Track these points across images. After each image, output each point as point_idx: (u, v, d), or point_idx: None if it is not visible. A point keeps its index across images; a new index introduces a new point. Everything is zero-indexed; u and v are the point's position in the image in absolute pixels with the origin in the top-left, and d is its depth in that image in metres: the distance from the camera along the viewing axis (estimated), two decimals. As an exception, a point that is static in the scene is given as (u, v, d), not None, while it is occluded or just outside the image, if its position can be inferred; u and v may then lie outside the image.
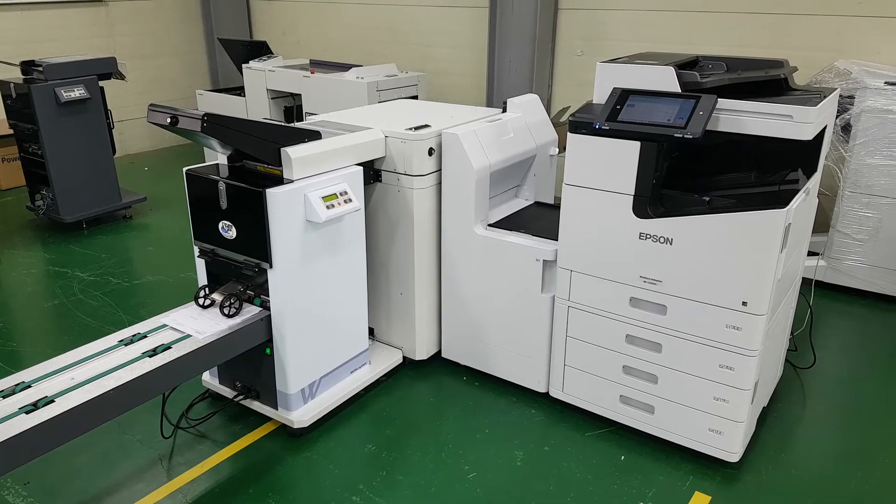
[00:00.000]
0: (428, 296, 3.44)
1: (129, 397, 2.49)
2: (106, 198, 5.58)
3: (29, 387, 2.42)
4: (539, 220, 3.38)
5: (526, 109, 3.57)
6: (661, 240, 2.65)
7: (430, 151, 3.18)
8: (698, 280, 2.62)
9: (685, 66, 2.81)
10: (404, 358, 3.55)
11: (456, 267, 3.34)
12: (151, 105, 2.74)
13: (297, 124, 3.32)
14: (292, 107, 6.28)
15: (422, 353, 3.52)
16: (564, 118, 4.79)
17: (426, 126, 3.24)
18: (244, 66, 6.27)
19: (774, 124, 2.44)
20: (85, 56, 5.47)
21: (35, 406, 2.29)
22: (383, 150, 3.21)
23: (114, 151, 5.60)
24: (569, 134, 2.75)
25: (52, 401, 2.32)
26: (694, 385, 2.76)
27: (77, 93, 5.14)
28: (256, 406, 3.17)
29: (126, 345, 2.70)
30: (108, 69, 5.44)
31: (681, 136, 2.46)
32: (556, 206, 3.54)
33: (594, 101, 2.82)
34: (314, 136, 2.93)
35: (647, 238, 2.68)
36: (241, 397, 3.18)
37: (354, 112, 3.72)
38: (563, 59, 5.83)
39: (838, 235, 4.32)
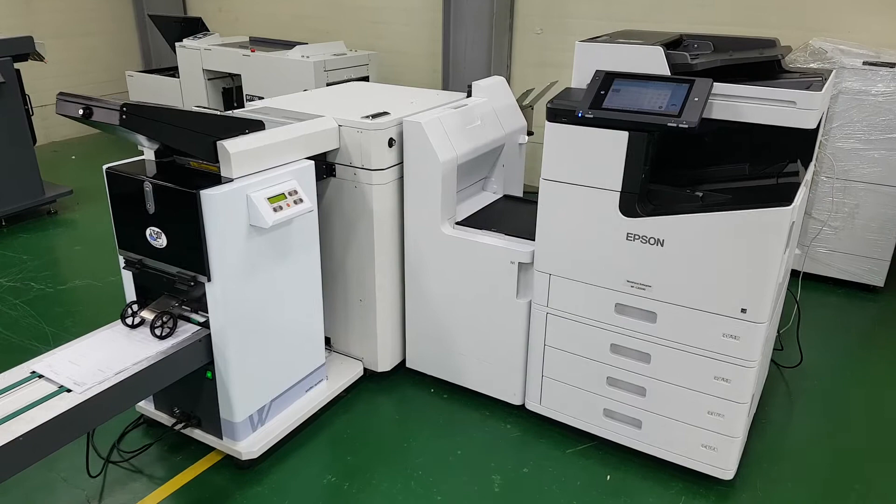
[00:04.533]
0: (390, 302, 3.11)
1: (46, 441, 2.10)
2: (26, 192, 5.03)
3: (-85, 435, 2.00)
4: (511, 216, 3.08)
5: (492, 93, 3.24)
6: (651, 241, 2.38)
7: (391, 142, 2.83)
8: (692, 285, 2.37)
9: (670, 45, 2.53)
10: (365, 370, 3.22)
11: (421, 270, 3.01)
12: (60, 94, 2.31)
13: (237, 112, 2.91)
14: (231, 88, 5.79)
15: (384, 364, 3.20)
16: (528, 101, 4.48)
17: (385, 113, 2.88)
18: (177, 44, 5.74)
19: (776, 111, 2.19)
20: (-5, 34, 4.88)
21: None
22: (337, 142, 2.84)
23: (34, 140, 5.05)
24: (547, 123, 2.45)
25: (-55, 452, 1.91)
26: (686, 398, 2.52)
27: (-13, 76, 4.57)
28: (198, 434, 2.79)
29: (39, 377, 2.29)
30: (24, 49, 4.86)
31: (675, 125, 2.18)
32: (527, 200, 3.25)
33: (573, 86, 2.51)
34: (257, 126, 2.54)
35: (635, 239, 2.41)
36: (180, 425, 2.80)
37: (302, 97, 3.33)
38: (522, 37, 5.51)
39: (813, 223, 4.16)
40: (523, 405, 2.99)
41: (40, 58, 4.98)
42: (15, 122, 4.84)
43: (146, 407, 2.89)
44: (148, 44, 7.58)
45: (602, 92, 2.33)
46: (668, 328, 2.47)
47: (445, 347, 3.08)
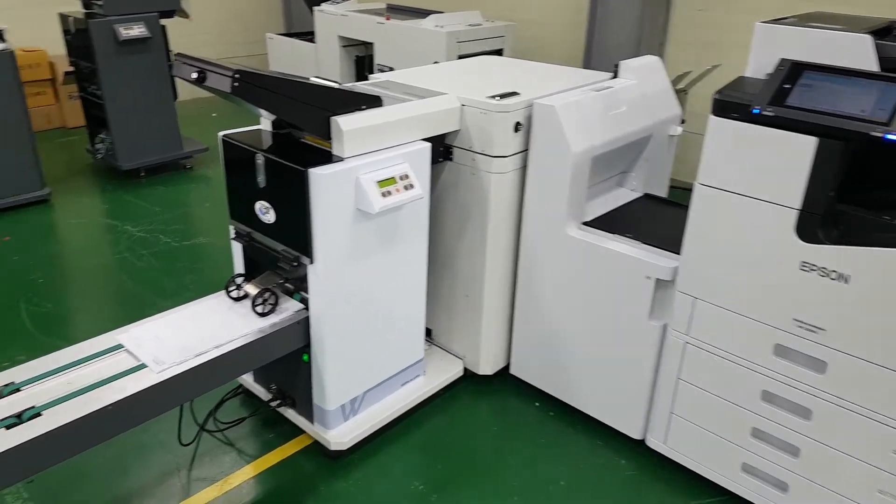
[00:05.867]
0: (499, 302, 2.84)
1: (134, 413, 2.05)
2: (166, 146, 5.23)
3: (18, 390, 2.01)
4: (651, 221, 2.69)
5: (644, 76, 2.84)
6: (833, 275, 1.93)
7: (517, 127, 2.54)
8: (881, 336, 1.90)
9: (879, 33, 2.03)
10: (465, 370, 2.99)
11: (537, 272, 2.72)
12: (178, 55, 2.22)
13: (357, 85, 2.73)
14: (364, 57, 5.68)
15: (487, 366, 2.96)
16: (682, 85, 3.99)
17: (514, 93, 2.58)
18: (316, 8, 5.70)
19: None
20: (147, -9, 5.04)
21: (19, 419, 1.88)
22: (458, 123, 2.59)
23: (175, 96, 5.21)
24: (711, 118, 2.04)
25: (40, 413, 1.90)
26: (851, 469, 2.07)
27: (137, 31, 4.73)
28: (291, 415, 2.71)
29: (123, 349, 2.25)
30: (170, 6, 4.99)
31: (883, 135, 1.72)
32: (673, 203, 2.84)
33: (748, 75, 2.08)
34: (373, 102, 2.34)
35: (812, 270, 1.97)
36: (275, 403, 2.73)
37: (427, 71, 3.09)
38: (680, 12, 4.94)
39: None
40: (643, 440, 2.63)
41: (185, 15, 5.10)
42: (159, 78, 5.01)
43: (246, 378, 2.84)
44: (290, 6, 7.67)
45: (787, 86, 1.89)
46: (839, 382, 2.01)
47: (557, 360, 2.78)
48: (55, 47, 5.51)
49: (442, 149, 2.63)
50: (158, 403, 2.10)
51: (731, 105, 1.99)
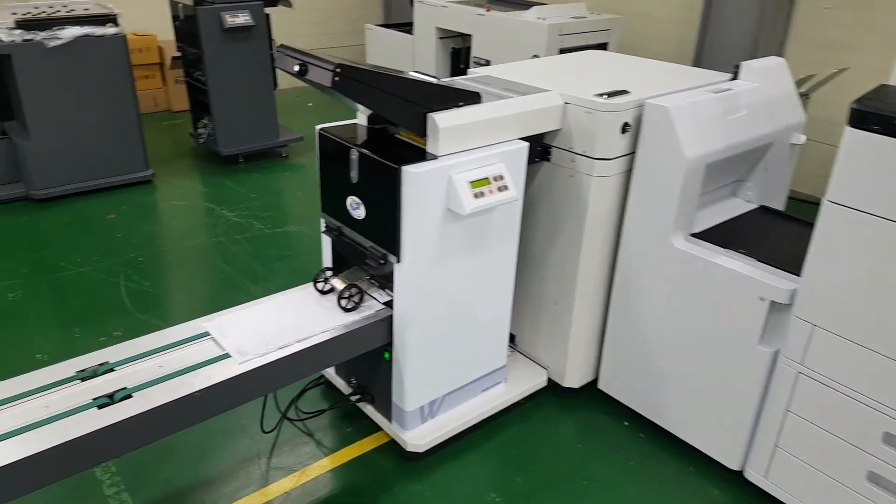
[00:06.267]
0: (590, 311, 2.69)
1: (219, 401, 2.06)
2: (263, 133, 5.35)
3: (112, 370, 2.06)
4: (767, 236, 2.46)
5: (766, 78, 2.59)
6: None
7: (625, 127, 2.37)
8: None
9: None
10: (549, 380, 2.86)
11: (635, 283, 2.54)
12: (282, 46, 2.20)
13: (455, 80, 2.64)
14: (460, 49, 5.58)
15: (573, 379, 2.81)
16: (804, 89, 3.66)
17: (623, 92, 2.41)
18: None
19: None
20: (252, -21, 5.15)
21: (111, 399, 1.92)
22: (559, 122, 2.45)
23: (275, 85, 5.31)
24: (847, 129, 1.82)
25: (130, 395, 1.93)
26: None
27: (242, 19, 4.84)
28: (370, 411, 2.67)
29: (209, 336, 2.27)
30: (275, -6, 5.08)
31: None
32: (794, 219, 2.59)
33: (894, 84, 1.83)
34: (472, 98, 2.24)
35: (955, 306, 1.72)
36: (355, 398, 2.70)
37: (528, 66, 2.96)
38: (805, 9, 4.55)
39: None
40: (741, 471, 2.42)
41: (289, 4, 5.17)
42: (261, 66, 5.11)
43: (328, 369, 2.84)
44: (390, -3, 7.69)
45: (942, 96, 1.65)
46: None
47: (650, 379, 2.60)
48: (165, 32, 5.73)
49: (539, 148, 2.50)
50: (241, 393, 2.10)
51: (872, 116, 1.76)
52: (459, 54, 5.60)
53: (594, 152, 2.39)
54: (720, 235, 2.42)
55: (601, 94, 2.38)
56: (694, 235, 2.42)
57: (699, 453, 2.54)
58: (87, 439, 1.79)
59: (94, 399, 1.91)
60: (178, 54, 5.36)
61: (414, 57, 5.72)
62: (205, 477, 2.47)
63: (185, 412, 1.98)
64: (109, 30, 4.41)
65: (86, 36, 4.31)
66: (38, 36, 4.17)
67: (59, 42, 4.21)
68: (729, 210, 2.65)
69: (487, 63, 4.92)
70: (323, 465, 2.55)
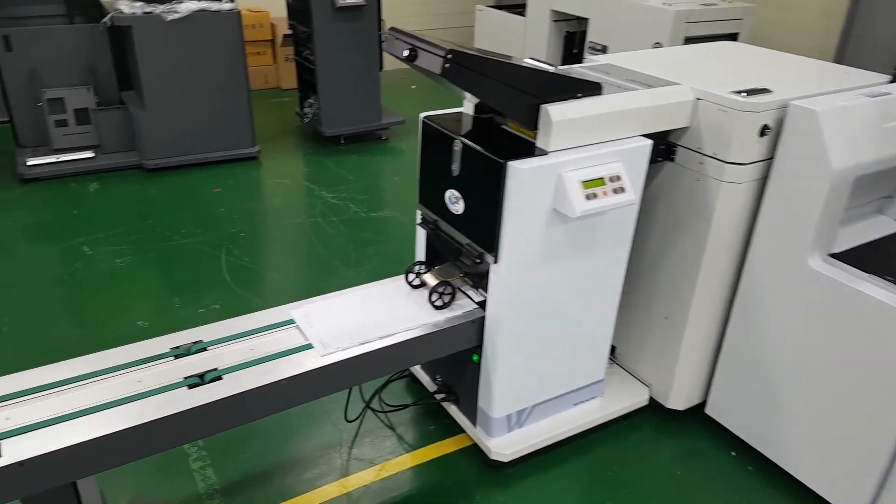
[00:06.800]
0: (705, 330, 2.44)
1: (305, 390, 2.01)
2: (365, 115, 5.33)
3: (205, 349, 2.05)
4: (920, 263, 2.14)
5: (936, 81, 2.24)
6: None
7: (764, 130, 2.10)
8: None
9: None
10: (650, 399, 2.64)
11: (761, 304, 2.28)
12: (392, 30, 2.09)
13: (573, 69, 2.44)
14: (574, 33, 5.30)
15: (678, 400, 2.58)
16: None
17: (764, 91, 2.14)
18: (534, -21, 5.42)
19: None
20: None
21: (201, 379, 1.90)
22: (688, 119, 2.21)
23: (381, 66, 5.27)
24: None
25: (220, 377, 1.91)
26: None
27: (353, -2, 4.81)
28: (453, 411, 2.57)
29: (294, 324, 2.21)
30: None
31: None
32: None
33: None
34: (592, 89, 2.04)
35: None
36: (439, 396, 2.60)
37: (653, 55, 2.71)
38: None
39: None
40: (868, 528, 2.13)
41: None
42: (368, 47, 5.07)
43: (413, 364, 2.75)
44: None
45: None
46: None
47: (767, 409, 2.34)
48: (278, 9, 5.81)
49: (663, 147, 2.27)
50: (324, 385, 2.04)
51: None
52: (573, 39, 5.31)
53: (726, 155, 2.13)
54: (863, 258, 2.12)
55: (739, 92, 2.12)
56: (833, 256, 2.12)
57: (815, 495, 2.26)
58: (174, 419, 1.78)
59: (186, 378, 1.90)
60: (290, 32, 5.41)
61: (525, 41, 5.49)
62: (287, 461, 2.44)
63: (270, 399, 1.95)
64: (225, 5, 4.49)
65: (202, 10, 4.41)
66: (158, 9, 4.30)
67: (177, 15, 4.33)
68: (874, 230, 2.32)
69: (604, 49, 4.64)
70: (403, 462, 2.47)
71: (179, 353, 2.02)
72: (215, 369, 1.94)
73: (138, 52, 4.34)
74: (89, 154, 4.64)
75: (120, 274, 3.52)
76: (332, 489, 2.34)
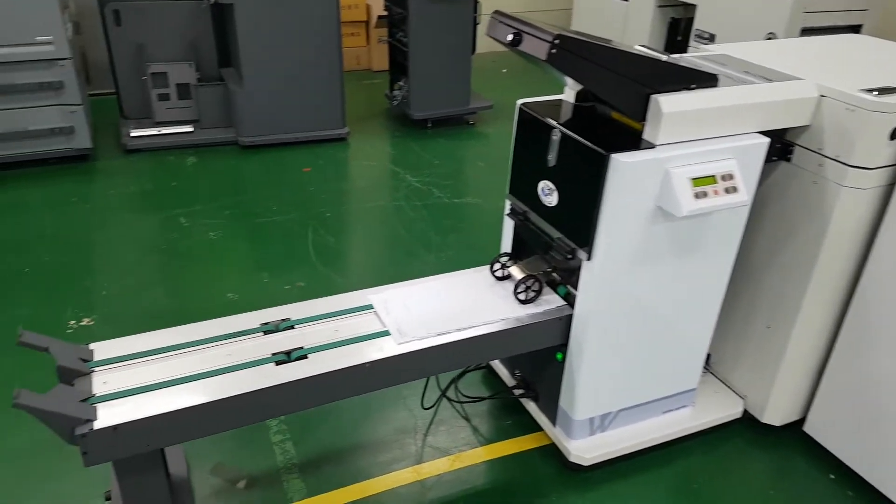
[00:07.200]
0: (811, 343, 2.27)
1: (385, 376, 2.00)
2: (454, 99, 5.27)
3: (292, 327, 2.07)
4: None
5: None
6: None
7: (895, 133, 1.91)
8: None
9: None
10: (744, 412, 2.49)
11: (877, 321, 2.09)
12: (496, 13, 2.02)
13: (686, 58, 2.30)
14: (680, 20, 5.03)
15: (774, 415, 2.42)
16: None
17: (898, 89, 1.95)
18: (634, -40, 5.18)
19: None
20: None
21: (288, 357, 1.92)
22: (810, 117, 2.04)
23: (473, 50, 5.20)
24: None
25: (306, 356, 1.93)
26: None
27: (450, -19, 4.75)
28: (532, 409, 2.51)
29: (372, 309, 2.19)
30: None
31: None
32: None
33: None
34: (707, 80, 1.91)
35: None
36: (518, 392, 2.54)
37: (771, 47, 2.52)
38: None
39: None
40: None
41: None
42: (462, 29, 5.01)
43: (492, 356, 2.70)
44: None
45: None
46: None
47: (876, 434, 2.15)
48: (374, -9, 5.83)
49: (779, 146, 2.10)
50: (402, 372, 2.02)
51: None
52: (678, 26, 5.04)
53: (850, 158, 1.95)
54: None
55: (870, 90, 1.93)
56: (973, 275, 1.91)
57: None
58: (262, 394, 1.81)
59: (273, 354, 1.92)
60: (385, 13, 5.41)
61: (626, 26, 5.27)
62: (362, 442, 2.46)
63: (352, 381, 1.94)
64: (323, -15, 4.53)
65: (302, -10, 4.46)
66: (259, -12, 4.39)
67: (277, -5, 4.40)
68: None
69: (711, 38, 4.38)
70: (478, 454, 2.43)
71: (268, 329, 2.05)
72: (301, 348, 1.96)
73: (239, 30, 4.44)
74: (188, 128, 4.81)
75: (213, 246, 3.64)
76: (406, 475, 2.34)
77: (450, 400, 2.65)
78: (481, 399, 2.66)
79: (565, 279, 2.23)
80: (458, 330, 2.05)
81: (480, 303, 2.19)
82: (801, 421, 2.45)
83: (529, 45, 1.80)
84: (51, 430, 1.60)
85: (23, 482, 2.24)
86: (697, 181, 1.84)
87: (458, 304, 2.17)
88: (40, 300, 3.14)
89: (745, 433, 2.50)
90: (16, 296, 3.16)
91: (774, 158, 2.14)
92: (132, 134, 4.69)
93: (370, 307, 2.15)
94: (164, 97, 4.75)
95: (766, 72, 2.11)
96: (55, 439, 1.64)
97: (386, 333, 2.03)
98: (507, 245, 2.44)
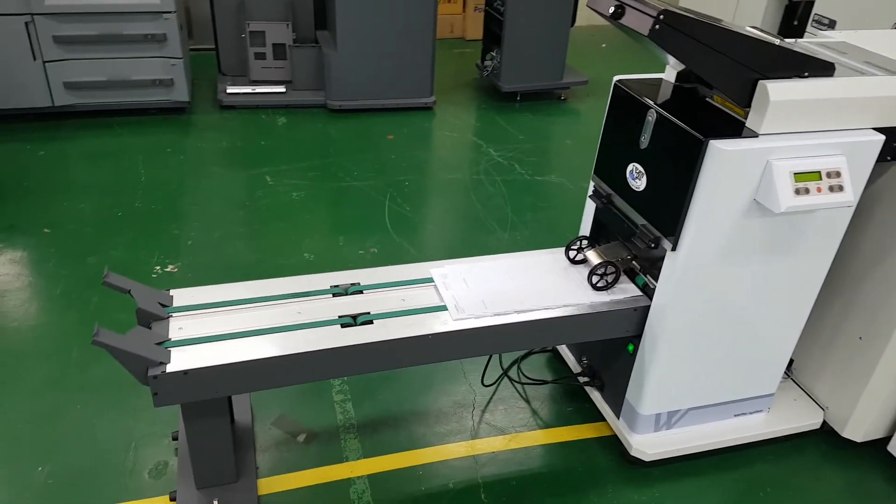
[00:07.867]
0: (909, 362, 2.10)
1: (446, 348, 1.99)
2: (548, 72, 5.13)
3: (360, 292, 2.09)
4: None
5: None
6: None
7: None
8: None
9: None
10: (823, 424, 2.34)
11: None
12: (599, -18, 1.92)
13: (801, 43, 2.13)
14: (798, 3, 4.67)
15: (856, 430, 2.26)
16: None
17: None
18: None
19: None
20: None
21: (354, 321, 1.95)
22: (936, 115, 1.85)
23: (572, 23, 5.02)
24: None
25: (372, 322, 1.94)
26: None
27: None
28: (596, 397, 2.45)
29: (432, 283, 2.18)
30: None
31: None
32: None
33: None
34: (822, 69, 1.75)
35: None
36: (583, 379, 2.48)
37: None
38: None
39: None
40: None
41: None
42: (564, 2, 4.85)
43: (560, 339, 2.64)
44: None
45: None
46: None
47: (975, 468, 1.97)
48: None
49: (895, 145, 1.92)
50: (460, 348, 2.01)
51: None
52: (795, 9, 4.67)
53: (981, 163, 1.76)
54: None
55: None
56: None
57: None
58: (325, 354, 1.84)
59: (340, 317, 1.95)
60: (483, -19, 5.32)
61: (737, 5, 4.95)
62: (421, 411, 2.47)
63: (414, 351, 1.95)
64: (423, -50, 4.47)
65: (401, -45, 4.42)
66: (359, -49, 4.38)
67: (376, -41, 4.38)
68: None
69: (831, 24, 4.06)
70: (535, 437, 2.40)
71: (338, 291, 2.08)
72: (367, 313, 1.97)
73: (336, -7, 4.47)
74: (281, 89, 4.91)
75: (295, 206, 3.72)
76: (461, 448, 2.34)
77: (511, 380, 2.62)
78: (543, 382, 2.62)
79: (645, 269, 2.14)
80: (518, 312, 2.01)
81: (550, 285, 2.14)
82: (886, 440, 2.28)
83: (632, 19, 1.70)
84: (125, 369, 1.68)
85: (100, 414, 2.38)
86: (800, 176, 1.70)
87: (526, 285, 2.13)
88: (130, 244, 3.31)
89: (822, 446, 2.35)
90: (108, 238, 3.34)
91: (888, 158, 1.95)
92: (228, 91, 4.83)
93: (431, 280, 2.14)
94: (260, 56, 4.85)
95: (890, 63, 1.92)
96: (130, 378, 1.72)
97: (444, 308, 2.02)
98: (585, 228, 2.37)
